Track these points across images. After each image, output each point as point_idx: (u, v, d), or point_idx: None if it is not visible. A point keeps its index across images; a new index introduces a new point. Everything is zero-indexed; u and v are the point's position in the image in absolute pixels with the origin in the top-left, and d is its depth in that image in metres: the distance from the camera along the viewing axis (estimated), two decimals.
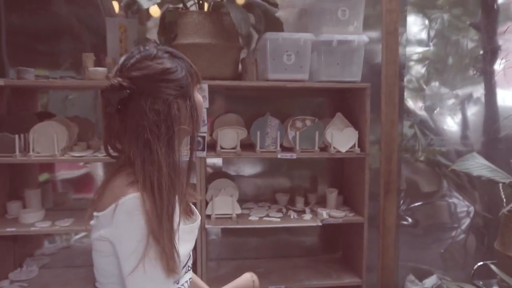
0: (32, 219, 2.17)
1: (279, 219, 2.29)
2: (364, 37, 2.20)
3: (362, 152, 2.28)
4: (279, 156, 2.22)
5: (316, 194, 2.63)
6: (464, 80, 2.79)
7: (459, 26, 2.76)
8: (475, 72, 2.79)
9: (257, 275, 1.35)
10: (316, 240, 2.80)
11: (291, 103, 2.68)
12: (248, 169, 2.73)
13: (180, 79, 0.99)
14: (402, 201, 2.87)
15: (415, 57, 2.77)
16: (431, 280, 2.86)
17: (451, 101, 2.81)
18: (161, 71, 0.96)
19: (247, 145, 2.33)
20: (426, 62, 2.77)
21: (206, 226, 2.17)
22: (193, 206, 1.16)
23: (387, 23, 2.23)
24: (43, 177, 2.63)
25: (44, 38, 2.50)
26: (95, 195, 0.99)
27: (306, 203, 2.54)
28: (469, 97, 2.82)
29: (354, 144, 2.28)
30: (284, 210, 2.45)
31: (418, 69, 2.78)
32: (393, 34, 2.23)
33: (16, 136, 2.06)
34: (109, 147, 1.03)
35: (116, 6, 2.25)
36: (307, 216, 2.32)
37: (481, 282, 2.11)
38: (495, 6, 2.73)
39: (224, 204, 2.27)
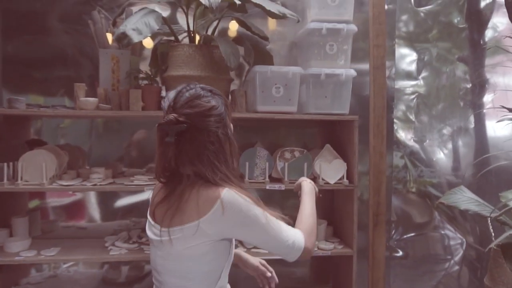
0: (18, 248, 2.15)
1: (267, 251, 2.26)
2: (352, 71, 2.24)
3: (351, 184, 2.28)
4: (267, 187, 2.22)
5: None
6: (453, 112, 2.83)
7: (448, 59, 2.82)
8: (464, 104, 2.83)
9: None
10: (306, 271, 2.77)
11: (281, 134, 2.71)
12: None
13: (222, 113, 1.21)
14: (393, 232, 2.86)
15: (404, 89, 2.81)
16: None
17: (440, 133, 2.84)
18: (209, 108, 1.18)
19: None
20: (416, 94, 2.82)
21: None
22: None
23: (375, 57, 2.28)
24: (33, 203, 2.63)
25: (40, 67, 2.55)
26: (169, 213, 1.15)
27: None
28: (459, 129, 2.85)
29: (343, 176, 2.29)
30: None
31: (407, 101, 2.81)
32: (380, 68, 2.27)
33: (5, 164, 2.07)
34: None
35: (109, 37, 2.30)
36: None
37: None
38: (482, 41, 2.79)
39: None
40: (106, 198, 2.68)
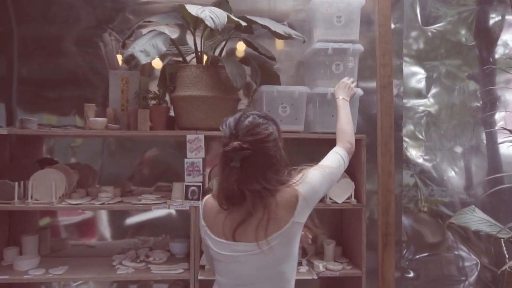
0: (27, 266, 2.18)
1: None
2: (359, 90, 2.24)
3: (359, 204, 2.26)
4: None
5: (315, 244, 2.59)
6: (464, 130, 2.80)
7: (457, 76, 2.80)
8: (474, 122, 2.79)
9: None
10: None
11: (288, 152, 2.68)
12: None
13: (276, 137, 1.36)
14: (405, 252, 2.80)
15: (413, 107, 2.79)
16: None
17: (451, 151, 2.80)
18: (267, 135, 1.32)
19: None
20: (425, 112, 2.79)
21: (199, 277, 2.14)
22: None
23: (382, 76, 2.28)
24: (44, 221, 2.66)
25: (53, 87, 2.62)
26: (261, 227, 1.27)
27: (304, 254, 2.49)
28: (470, 148, 2.81)
29: (351, 195, 2.27)
30: None
31: (416, 119, 2.79)
32: (387, 87, 2.27)
33: (16, 183, 2.11)
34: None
35: (119, 59, 2.36)
36: (303, 268, 2.28)
37: None
38: (491, 59, 2.77)
39: None
40: (115, 217, 2.70)
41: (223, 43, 2.33)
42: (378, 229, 2.33)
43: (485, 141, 2.81)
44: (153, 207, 2.18)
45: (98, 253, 2.56)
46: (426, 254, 2.83)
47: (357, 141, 2.26)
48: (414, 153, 2.80)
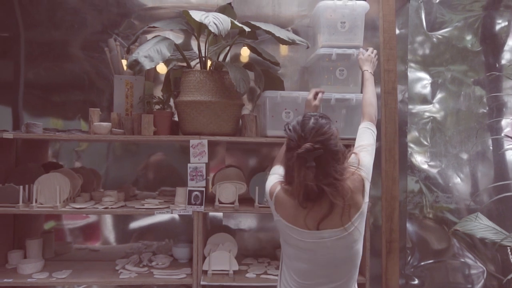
0: (31, 270, 2.19)
1: (277, 277, 2.23)
2: None
3: None
4: None
5: None
6: (470, 136, 2.77)
7: (463, 82, 2.78)
8: (480, 128, 2.76)
9: None
10: None
11: None
12: (249, 222, 2.72)
13: (337, 134, 1.46)
14: (409, 259, 2.77)
15: (418, 113, 2.77)
16: None
17: (457, 157, 2.77)
18: (332, 134, 1.42)
19: (247, 199, 2.34)
20: (430, 118, 2.77)
21: (202, 282, 2.14)
22: None
23: (386, 82, 2.27)
24: (49, 225, 2.68)
25: (59, 92, 2.65)
26: (345, 214, 1.41)
27: None
28: (476, 154, 2.78)
29: None
30: None
31: (422, 125, 2.77)
32: (391, 93, 2.26)
33: (21, 187, 2.13)
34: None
35: (124, 64, 2.37)
36: None
37: None
38: (497, 65, 2.75)
39: (222, 259, 2.25)
40: (119, 221, 2.71)
41: (227, 48, 2.34)
42: (382, 236, 2.31)
43: (491, 148, 2.79)
44: (156, 212, 2.18)
45: (102, 257, 2.57)
46: (431, 261, 2.80)
47: None
48: (419, 159, 2.77)
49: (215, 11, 2.25)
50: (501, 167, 2.77)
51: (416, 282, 2.77)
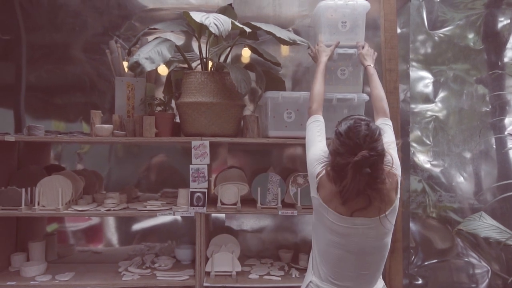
0: (33, 272, 2.19)
1: (279, 278, 2.24)
2: (364, 96, 2.22)
3: None
4: (279, 213, 2.20)
5: None
6: (473, 135, 2.76)
7: (466, 81, 2.76)
8: (483, 127, 2.75)
9: None
10: None
11: (294, 158, 2.69)
12: (252, 223, 2.71)
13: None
14: (413, 259, 2.76)
15: (420, 112, 2.76)
16: None
17: (460, 156, 2.76)
18: (380, 138, 1.45)
19: (249, 200, 2.33)
20: (433, 117, 2.76)
21: (205, 284, 2.13)
22: None
23: (387, 82, 2.26)
24: (52, 227, 2.68)
25: (60, 94, 2.65)
26: (382, 208, 1.46)
27: None
28: (479, 153, 2.77)
29: None
30: (286, 268, 2.40)
31: (424, 124, 2.76)
32: (393, 92, 2.25)
33: (23, 190, 2.13)
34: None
35: (125, 66, 2.37)
36: None
37: None
38: (500, 63, 2.74)
39: (224, 261, 2.24)
40: (121, 223, 2.71)
41: (228, 49, 2.34)
42: None
43: (494, 146, 2.77)
44: (158, 214, 2.18)
45: (104, 259, 2.57)
46: (435, 260, 2.79)
47: None
48: (422, 159, 2.76)
49: (216, 12, 2.25)
50: (505, 166, 2.76)
51: (420, 282, 2.76)
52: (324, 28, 2.22)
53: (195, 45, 2.64)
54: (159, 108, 2.31)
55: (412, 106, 2.75)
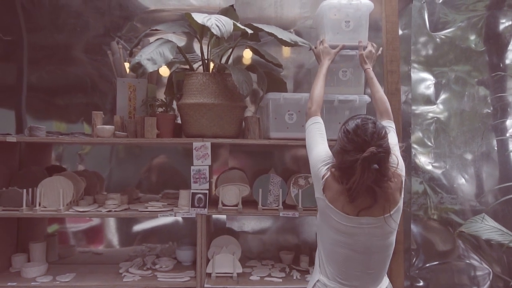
0: (34, 273, 2.19)
1: (281, 280, 2.23)
2: (366, 97, 2.22)
3: None
4: (281, 214, 2.20)
5: None
6: (474, 136, 2.75)
7: (467, 82, 2.76)
8: (485, 129, 2.75)
9: None
10: None
11: (295, 159, 2.69)
12: (253, 225, 2.71)
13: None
14: (414, 261, 2.76)
15: (422, 114, 2.76)
16: None
17: (461, 158, 2.76)
18: (386, 135, 1.49)
19: (250, 202, 2.33)
20: (434, 118, 2.76)
21: (206, 285, 2.13)
22: None
23: (389, 83, 2.25)
24: (53, 228, 2.68)
25: (62, 95, 2.65)
26: (387, 206, 1.49)
27: (312, 262, 2.46)
28: (480, 154, 2.76)
29: None
30: (287, 269, 2.39)
31: (425, 126, 2.76)
32: (395, 94, 2.25)
33: (24, 190, 2.13)
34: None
35: (127, 67, 2.37)
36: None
37: None
38: (501, 65, 2.73)
39: (225, 262, 2.24)
40: (122, 224, 2.71)
41: (230, 50, 2.34)
42: None
43: (496, 148, 2.77)
44: (159, 215, 2.17)
45: (105, 260, 2.57)
46: (436, 262, 2.78)
47: None
48: (423, 160, 2.76)
49: (217, 14, 2.25)
50: (506, 167, 2.75)
51: (421, 284, 2.75)
52: (328, 28, 2.20)
53: (196, 46, 2.64)
54: (160, 109, 2.31)
55: (414, 107, 2.75)
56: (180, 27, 2.25)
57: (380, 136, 1.47)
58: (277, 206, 2.24)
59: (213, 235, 2.48)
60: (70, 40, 2.63)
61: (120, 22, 2.64)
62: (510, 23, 2.78)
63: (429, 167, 2.76)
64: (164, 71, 2.55)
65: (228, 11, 2.38)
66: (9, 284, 2.07)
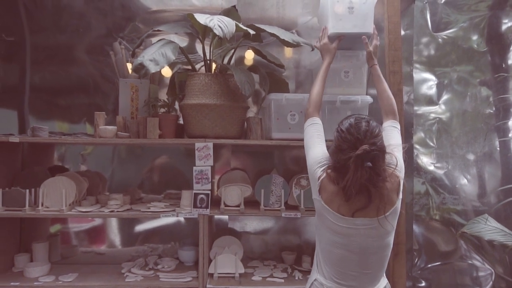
0: (37, 273, 2.20)
1: (283, 280, 2.23)
2: (368, 98, 2.22)
3: None
4: (283, 215, 2.20)
5: None
6: (476, 137, 2.75)
7: (469, 82, 2.76)
8: (487, 129, 2.74)
9: None
10: None
11: (297, 160, 2.69)
12: (255, 225, 2.71)
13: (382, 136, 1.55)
14: (416, 261, 2.76)
15: (424, 114, 2.76)
16: None
17: (463, 159, 2.75)
18: (381, 136, 1.52)
19: (252, 202, 2.33)
20: (436, 119, 2.76)
21: (208, 286, 2.13)
22: None
23: (391, 84, 2.25)
24: (55, 228, 2.68)
25: (64, 95, 2.66)
26: (381, 207, 1.49)
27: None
28: (482, 155, 2.76)
29: None
30: (289, 270, 2.39)
31: (427, 126, 2.76)
32: (397, 94, 2.24)
33: (27, 190, 2.14)
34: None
35: (129, 67, 2.38)
36: None
37: None
38: (504, 65, 2.73)
39: (227, 262, 2.24)
40: (125, 224, 2.71)
41: (232, 51, 2.34)
42: None
43: (498, 149, 2.76)
44: (161, 215, 2.18)
45: (108, 260, 2.58)
46: (438, 263, 2.78)
47: None
48: (425, 161, 2.76)
49: (220, 14, 2.25)
50: (508, 168, 2.75)
51: (423, 284, 2.75)
52: (330, 14, 2.05)
53: (198, 47, 2.65)
54: (162, 110, 2.31)
55: (416, 108, 2.75)
56: (182, 27, 2.26)
57: (373, 134, 1.48)
58: (279, 207, 2.24)
59: (215, 236, 2.48)
60: (72, 41, 2.64)
61: (122, 23, 2.65)
62: None
63: (431, 168, 2.76)
64: (166, 72, 2.56)
65: (230, 12, 2.38)
66: (12, 283, 2.08)
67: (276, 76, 2.45)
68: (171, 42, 2.12)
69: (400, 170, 1.59)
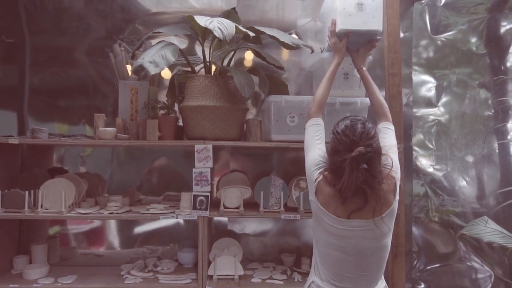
0: (36, 275, 2.19)
1: (282, 282, 2.23)
2: (367, 100, 2.21)
3: None
4: (282, 216, 2.20)
5: None
6: (475, 139, 2.75)
7: (468, 85, 2.76)
8: (486, 131, 2.75)
9: None
10: None
11: (297, 162, 2.69)
12: (254, 227, 2.71)
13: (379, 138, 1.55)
14: (415, 263, 2.76)
15: (423, 116, 2.76)
16: None
17: (462, 161, 2.76)
18: (377, 138, 1.52)
19: (252, 204, 2.33)
20: (435, 121, 2.76)
21: (207, 287, 2.13)
22: None
23: (390, 86, 2.26)
24: (54, 230, 2.68)
25: (64, 97, 2.66)
26: (377, 208, 1.49)
27: None
28: (481, 157, 2.76)
29: None
30: (289, 272, 2.39)
31: (427, 129, 2.76)
32: (396, 97, 2.25)
33: (26, 192, 2.14)
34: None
35: (129, 69, 2.38)
36: None
37: None
38: (502, 67, 2.74)
39: (227, 264, 2.24)
40: (124, 226, 2.71)
41: (232, 53, 2.35)
42: None
43: (497, 151, 2.77)
44: (161, 217, 2.18)
45: (107, 262, 2.57)
46: (437, 265, 2.78)
47: None
48: (424, 163, 2.76)
49: (219, 16, 2.26)
50: (507, 170, 2.75)
51: (422, 286, 2.75)
52: (339, 11, 1.98)
53: (198, 49, 2.65)
54: (162, 112, 2.32)
55: (415, 110, 2.75)
56: (182, 29, 2.26)
57: (369, 136, 1.48)
58: (279, 209, 2.24)
59: (215, 237, 2.48)
60: (72, 43, 2.65)
61: (122, 25, 2.65)
62: (511, 26, 2.78)
63: (430, 170, 2.76)
64: (166, 74, 2.56)
65: (230, 14, 2.39)
66: (10, 286, 2.08)
67: (276, 78, 2.45)
68: (170, 44, 2.12)
69: (396, 171, 1.59)
